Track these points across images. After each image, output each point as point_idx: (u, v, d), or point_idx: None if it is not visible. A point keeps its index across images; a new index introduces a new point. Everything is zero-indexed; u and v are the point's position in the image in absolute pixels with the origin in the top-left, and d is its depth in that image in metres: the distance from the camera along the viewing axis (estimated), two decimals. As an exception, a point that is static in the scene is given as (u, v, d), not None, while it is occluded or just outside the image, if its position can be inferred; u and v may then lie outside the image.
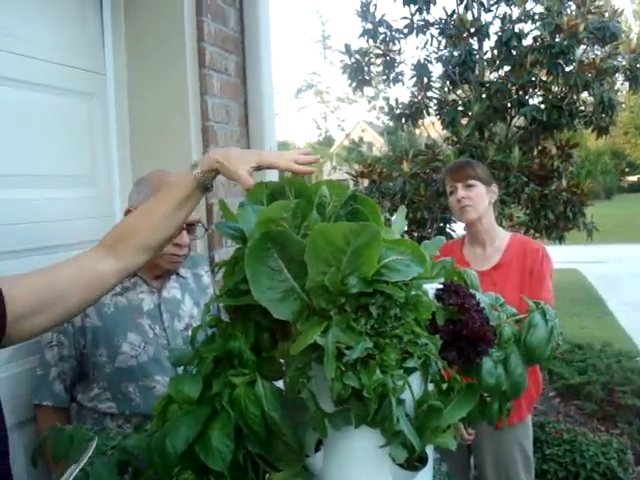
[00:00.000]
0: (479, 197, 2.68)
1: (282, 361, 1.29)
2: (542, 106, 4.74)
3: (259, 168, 1.47)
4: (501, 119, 5.09)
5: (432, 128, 6.16)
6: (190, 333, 1.42)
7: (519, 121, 5.23)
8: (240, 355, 1.25)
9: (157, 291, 2.11)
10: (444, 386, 1.31)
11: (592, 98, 4.71)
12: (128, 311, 2.05)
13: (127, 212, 2.03)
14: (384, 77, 5.50)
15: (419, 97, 5.51)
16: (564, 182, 5.10)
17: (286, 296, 1.18)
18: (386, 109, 5.63)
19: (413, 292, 1.23)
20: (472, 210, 2.68)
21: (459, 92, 5.29)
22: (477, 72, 5.16)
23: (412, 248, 1.24)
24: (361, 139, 26.01)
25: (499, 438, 2.64)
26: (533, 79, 4.84)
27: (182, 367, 1.45)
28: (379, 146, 26.83)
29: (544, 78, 4.89)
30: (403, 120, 5.73)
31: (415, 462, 1.28)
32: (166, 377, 1.96)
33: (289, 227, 1.19)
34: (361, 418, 1.17)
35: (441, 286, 1.38)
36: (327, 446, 1.27)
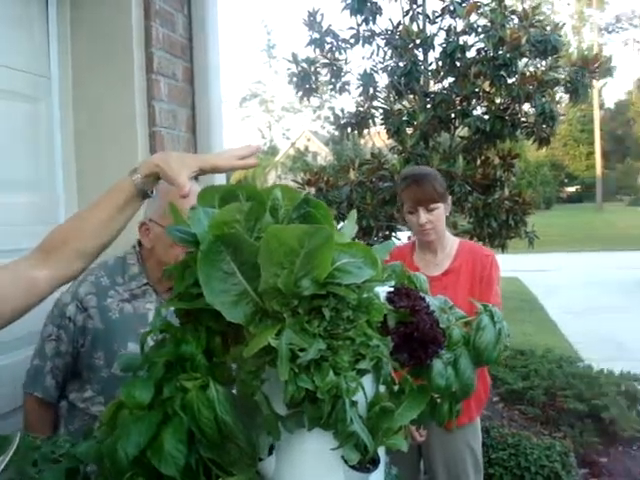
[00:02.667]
0: (439, 218, 2.71)
1: (234, 366, 1.28)
2: (486, 117, 4.84)
3: (202, 172, 1.47)
4: (445, 129, 5.18)
5: (378, 137, 6.23)
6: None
7: (463, 131, 5.33)
8: (192, 359, 1.24)
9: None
10: (395, 388, 1.33)
11: (534, 109, 4.83)
12: (132, 319, 2.02)
13: (141, 225, 2.04)
14: (330, 86, 5.54)
15: (365, 106, 5.56)
16: (506, 191, 5.22)
17: (239, 299, 1.18)
18: (331, 118, 5.66)
19: (365, 295, 1.25)
20: (433, 233, 2.70)
21: (404, 102, 5.36)
22: (422, 83, 5.24)
23: (364, 251, 1.25)
24: (307, 148, 26.06)
25: (449, 440, 2.67)
26: (476, 90, 4.95)
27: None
28: (324, 155, 26.97)
29: (487, 89, 5.00)
30: (349, 129, 5.77)
31: (367, 464, 1.29)
32: None
33: (242, 230, 1.19)
34: (314, 420, 1.18)
35: (392, 289, 1.39)
36: (279, 450, 1.27)
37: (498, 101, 4.86)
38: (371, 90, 5.51)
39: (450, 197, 2.89)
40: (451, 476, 2.68)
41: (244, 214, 1.18)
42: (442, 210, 2.71)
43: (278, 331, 1.13)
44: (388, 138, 5.61)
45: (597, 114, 50.38)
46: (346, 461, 1.25)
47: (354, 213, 1.55)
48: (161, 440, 1.15)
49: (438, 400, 1.45)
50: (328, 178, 5.40)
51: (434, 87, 5.31)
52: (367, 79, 5.29)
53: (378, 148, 5.77)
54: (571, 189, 56.11)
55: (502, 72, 4.67)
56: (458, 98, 4.99)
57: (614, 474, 4.66)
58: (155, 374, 1.24)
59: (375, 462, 1.31)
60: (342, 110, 5.66)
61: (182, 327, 1.33)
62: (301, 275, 1.15)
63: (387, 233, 5.31)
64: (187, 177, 1.41)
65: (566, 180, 55.57)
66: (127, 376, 1.94)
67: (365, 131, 5.82)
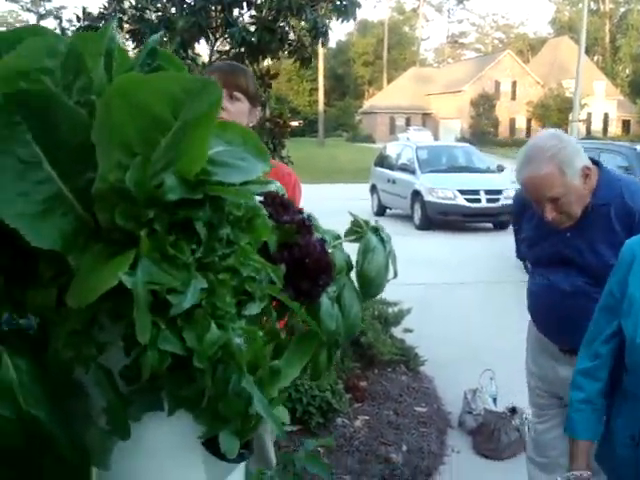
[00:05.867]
0: (239, 114, 2.23)
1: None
2: (252, 28, 4.41)
3: None
4: (206, 39, 4.67)
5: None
6: None
7: (223, 46, 4.86)
8: (-41, 315, 0.72)
9: None
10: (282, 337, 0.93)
11: (303, 24, 4.51)
12: None
13: None
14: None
15: (111, 8, 4.84)
16: (267, 112, 4.91)
17: (49, 208, 0.68)
18: (56, 26, 4.86)
19: (247, 203, 0.82)
20: None
21: (158, 5, 4.72)
22: (179, -15, 4.65)
23: (243, 134, 0.81)
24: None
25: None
26: (241, -2, 4.50)
27: None
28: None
29: (253, -1, 4.58)
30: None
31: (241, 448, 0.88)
32: None
33: (57, 87, 0.68)
34: (181, 401, 0.74)
35: (260, 197, 0.97)
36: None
37: (266, 12, 4.45)
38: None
39: (260, 110, 2.43)
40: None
41: (60, 60, 0.67)
42: (245, 109, 2.25)
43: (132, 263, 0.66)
44: (136, 46, 4.92)
45: (321, 51, 52.29)
46: (217, 450, 0.84)
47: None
48: None
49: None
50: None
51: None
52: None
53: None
54: (294, 123, 58.05)
55: (272, -20, 4.28)
56: (220, 5, 4.50)
57: (375, 397, 4.73)
58: None
59: (248, 445, 0.91)
60: (83, 10, 4.85)
61: None
62: (161, 167, 0.69)
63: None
64: None
65: (290, 115, 57.37)
66: None
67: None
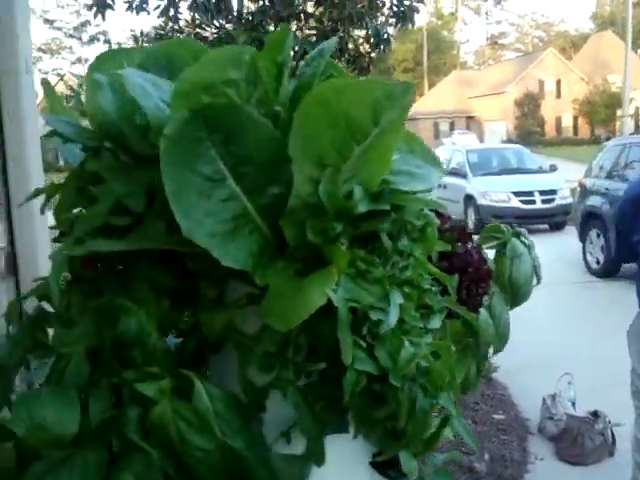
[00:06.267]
0: None
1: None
2: (313, 39, 4.39)
3: None
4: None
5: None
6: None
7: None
8: (143, 342, 0.69)
9: None
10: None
11: (364, 32, 4.46)
12: None
13: None
14: (127, 3, 4.74)
15: (167, 29, 4.86)
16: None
17: (238, 226, 0.65)
18: (114, 47, 4.86)
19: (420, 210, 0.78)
20: None
21: (216, 23, 4.74)
22: (236, 1, 4.66)
23: (408, 140, 0.77)
24: (81, 86, 23.90)
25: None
26: (297, 11, 4.48)
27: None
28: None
29: (311, 10, 4.55)
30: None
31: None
32: None
33: (241, 99, 0.65)
34: (367, 421, 0.71)
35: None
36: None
37: (326, 22, 4.42)
38: (173, 11, 4.80)
39: None
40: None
41: (245, 71, 0.64)
42: None
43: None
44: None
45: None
46: (385, 471, 0.80)
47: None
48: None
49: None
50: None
51: (249, 7, 4.74)
52: (172, -4, 4.57)
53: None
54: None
55: (332, -11, 4.25)
56: (279, 18, 4.48)
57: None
58: (74, 377, 0.67)
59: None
60: (141, 33, 4.91)
61: (94, 285, 0.76)
62: (348, 177, 0.65)
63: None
64: None
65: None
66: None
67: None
